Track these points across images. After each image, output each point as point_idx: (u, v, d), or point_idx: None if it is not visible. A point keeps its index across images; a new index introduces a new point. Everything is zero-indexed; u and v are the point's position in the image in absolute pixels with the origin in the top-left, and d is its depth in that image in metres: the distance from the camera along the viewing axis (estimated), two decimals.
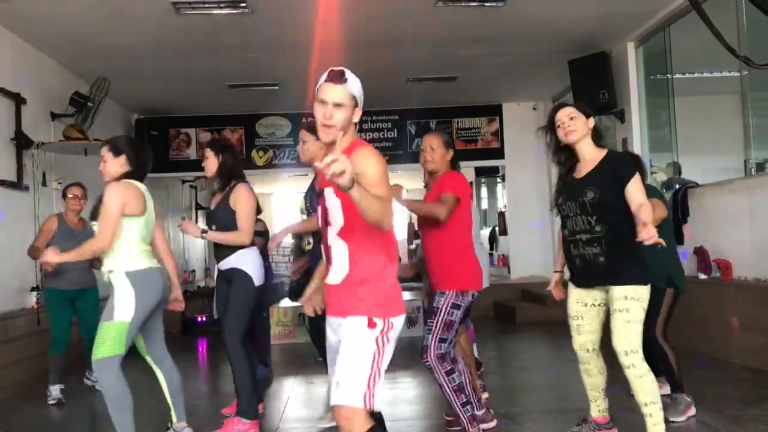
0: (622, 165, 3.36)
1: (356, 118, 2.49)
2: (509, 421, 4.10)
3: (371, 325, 2.42)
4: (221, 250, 4.27)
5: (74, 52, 7.08)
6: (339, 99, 2.40)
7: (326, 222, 2.53)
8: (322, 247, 2.61)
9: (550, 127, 3.54)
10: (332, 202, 2.47)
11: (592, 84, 7.53)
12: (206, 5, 6.00)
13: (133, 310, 3.58)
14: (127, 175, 3.71)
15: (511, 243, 10.79)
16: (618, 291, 3.33)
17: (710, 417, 3.93)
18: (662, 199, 4.32)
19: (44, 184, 6.73)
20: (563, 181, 3.56)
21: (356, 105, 2.46)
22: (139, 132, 9.73)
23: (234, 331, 4.14)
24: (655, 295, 3.69)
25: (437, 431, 4.04)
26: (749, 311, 5.29)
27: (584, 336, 3.57)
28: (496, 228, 12.84)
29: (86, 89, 7.24)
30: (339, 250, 2.49)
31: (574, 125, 3.42)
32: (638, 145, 7.45)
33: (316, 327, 4.67)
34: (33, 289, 6.29)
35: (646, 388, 3.29)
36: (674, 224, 6.38)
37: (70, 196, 5.42)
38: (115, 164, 3.71)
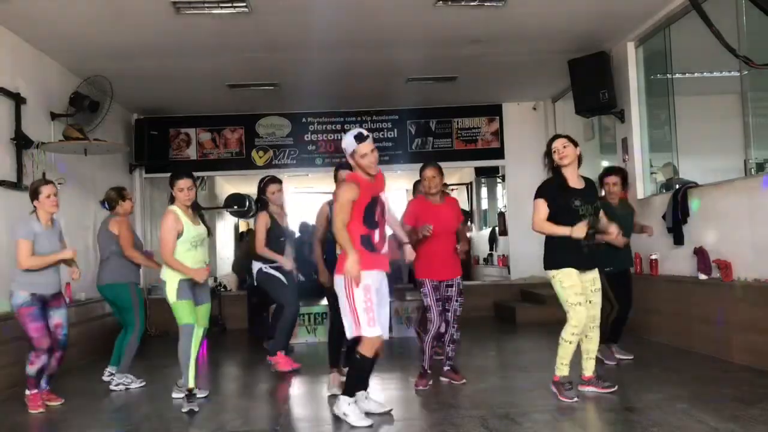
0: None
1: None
2: (509, 421, 4.09)
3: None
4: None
5: (74, 52, 7.08)
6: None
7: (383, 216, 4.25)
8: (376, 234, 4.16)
9: (548, 153, 4.49)
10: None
11: (592, 84, 7.52)
12: (206, 5, 6.01)
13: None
14: None
15: (511, 243, 10.78)
16: None
17: (710, 417, 3.92)
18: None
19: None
20: (564, 189, 4.40)
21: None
22: (139, 132, 9.66)
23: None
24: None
25: (436, 431, 4.04)
26: (749, 311, 5.29)
27: None
28: (496, 228, 12.82)
29: (86, 90, 7.23)
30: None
31: (567, 152, 4.41)
32: (638, 145, 7.45)
33: (335, 330, 5.01)
34: None
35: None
36: (674, 224, 6.40)
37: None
38: None
